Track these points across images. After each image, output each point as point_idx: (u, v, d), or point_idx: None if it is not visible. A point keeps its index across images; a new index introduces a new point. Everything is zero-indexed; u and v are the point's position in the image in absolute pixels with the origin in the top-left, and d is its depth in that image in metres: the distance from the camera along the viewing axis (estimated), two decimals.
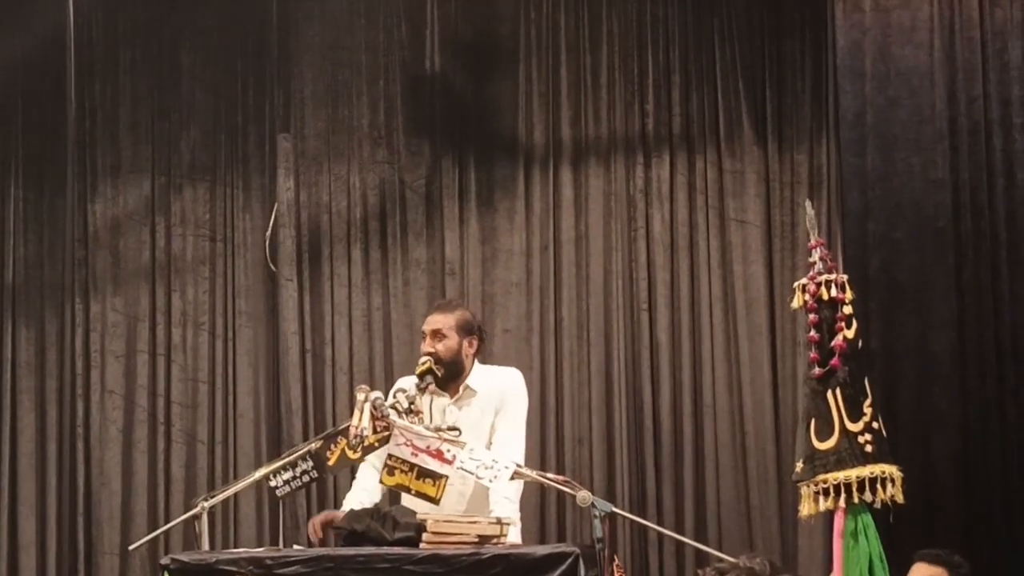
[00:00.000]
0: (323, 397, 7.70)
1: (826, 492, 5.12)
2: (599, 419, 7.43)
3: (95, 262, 7.94)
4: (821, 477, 5.13)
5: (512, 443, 5.78)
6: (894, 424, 5.93)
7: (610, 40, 7.63)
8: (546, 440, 7.43)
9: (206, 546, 5.51)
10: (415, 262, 7.71)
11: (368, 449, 5.39)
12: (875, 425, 5.15)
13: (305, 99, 7.88)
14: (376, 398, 5.39)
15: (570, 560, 5.00)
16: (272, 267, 7.80)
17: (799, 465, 5.25)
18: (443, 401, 5.84)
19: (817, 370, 5.18)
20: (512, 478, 5.37)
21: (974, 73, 6.60)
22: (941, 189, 6.56)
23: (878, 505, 5.11)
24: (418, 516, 5.27)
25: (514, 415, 5.88)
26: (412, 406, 5.46)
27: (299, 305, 7.74)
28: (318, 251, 7.80)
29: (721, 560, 5.00)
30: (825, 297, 5.22)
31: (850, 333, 5.18)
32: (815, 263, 5.29)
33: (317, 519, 5.83)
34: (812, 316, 5.24)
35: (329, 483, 7.34)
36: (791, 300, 5.39)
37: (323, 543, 5.68)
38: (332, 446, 5.48)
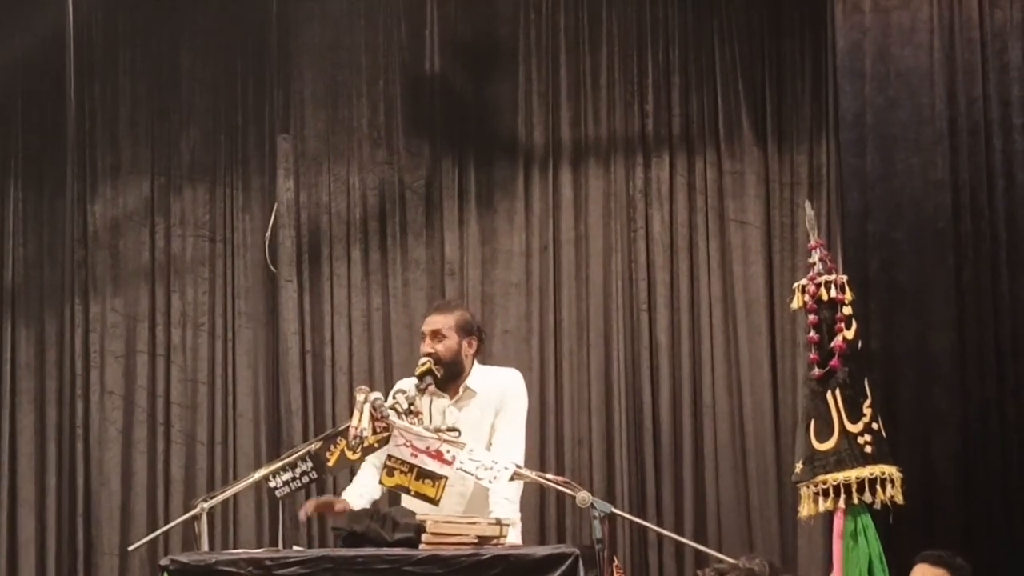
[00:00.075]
0: (323, 398, 7.70)
1: (826, 493, 5.13)
2: (599, 420, 7.43)
3: (95, 263, 7.94)
4: (821, 478, 5.14)
5: (512, 444, 5.78)
6: (894, 424, 5.93)
7: (610, 41, 7.63)
8: (546, 441, 7.43)
9: (205, 547, 5.50)
10: (415, 263, 7.71)
11: (368, 450, 5.39)
12: (875, 426, 5.16)
13: (305, 99, 7.88)
14: (376, 399, 5.38)
15: (570, 561, 5.00)
16: (272, 268, 7.80)
17: (799, 466, 5.25)
18: (443, 402, 5.84)
19: (817, 371, 5.18)
20: (512, 479, 5.37)
21: (974, 74, 6.59)
22: (941, 190, 6.56)
23: (878, 506, 5.12)
24: (417, 517, 5.27)
25: (514, 416, 5.87)
26: (412, 407, 5.45)
27: (299, 306, 7.74)
28: (318, 252, 7.80)
29: (721, 561, 5.00)
30: (825, 298, 5.23)
31: (850, 334, 5.19)
32: (815, 264, 5.30)
33: (313, 501, 5.86)
34: (812, 317, 5.25)
35: (328, 484, 7.33)
36: (791, 301, 5.40)
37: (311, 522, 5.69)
38: (332, 447, 5.47)
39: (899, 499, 5.13)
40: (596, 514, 5.11)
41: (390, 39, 7.83)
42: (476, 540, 5.18)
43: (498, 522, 5.29)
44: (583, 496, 5.17)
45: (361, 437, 5.30)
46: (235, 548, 7.04)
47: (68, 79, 7.44)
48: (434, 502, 5.32)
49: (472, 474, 5.30)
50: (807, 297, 5.26)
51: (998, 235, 6.53)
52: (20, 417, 7.91)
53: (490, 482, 5.32)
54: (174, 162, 7.96)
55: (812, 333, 5.24)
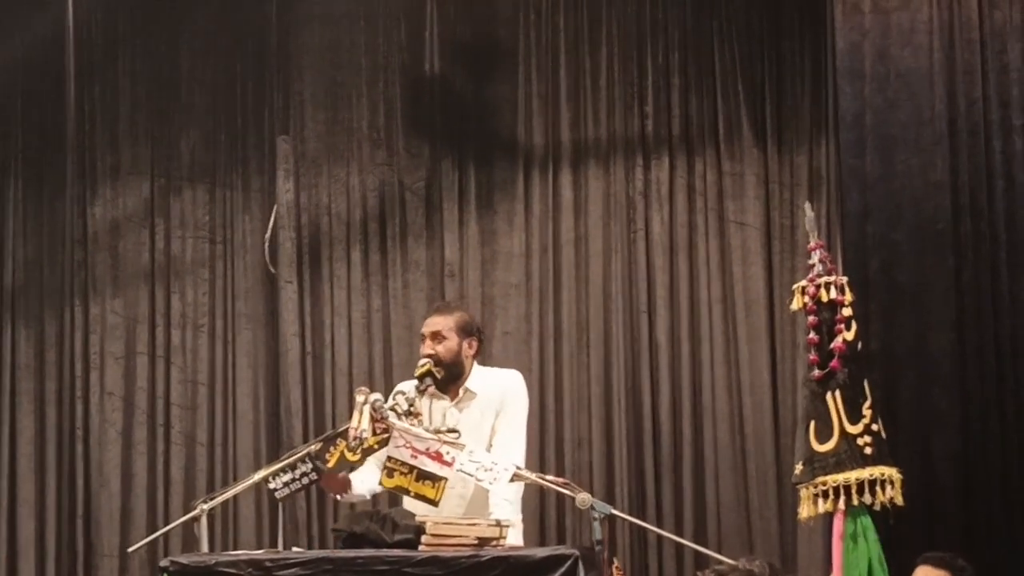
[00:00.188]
0: (323, 399, 7.70)
1: (825, 494, 5.13)
2: (599, 421, 7.42)
3: (94, 264, 7.94)
4: (820, 479, 5.14)
5: (512, 445, 5.78)
6: (894, 425, 5.92)
7: (609, 42, 7.63)
8: (546, 442, 7.43)
9: (205, 548, 5.51)
10: (415, 264, 7.71)
11: (367, 451, 5.39)
12: (874, 427, 5.15)
13: (305, 101, 7.88)
14: (376, 400, 5.39)
15: (570, 562, 5.00)
16: (272, 269, 7.80)
17: (798, 467, 5.25)
18: (443, 403, 5.83)
19: (817, 372, 5.18)
20: (512, 480, 5.37)
21: (973, 75, 6.59)
22: (940, 191, 6.56)
23: (877, 507, 5.12)
24: (417, 518, 5.27)
25: (514, 417, 5.87)
26: (411, 408, 5.45)
27: (299, 307, 7.74)
28: (318, 253, 7.80)
29: (720, 562, 4.99)
30: (824, 299, 5.23)
31: (849, 335, 5.19)
32: (815, 265, 5.30)
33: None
34: (811, 318, 5.25)
35: None
36: (790, 302, 5.40)
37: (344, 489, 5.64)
38: (331, 448, 5.47)
39: (899, 500, 5.13)
40: (596, 515, 5.11)
41: (390, 40, 7.83)
42: (476, 541, 5.18)
43: (498, 523, 5.29)
44: (583, 497, 5.17)
45: (361, 438, 5.30)
46: (235, 549, 7.04)
47: (68, 79, 7.44)
48: (434, 503, 5.32)
49: (472, 475, 5.30)
50: (807, 298, 5.26)
51: (998, 236, 6.53)
52: (20, 418, 7.91)
53: (490, 483, 5.32)
54: (174, 163, 7.96)
55: (812, 334, 5.23)
